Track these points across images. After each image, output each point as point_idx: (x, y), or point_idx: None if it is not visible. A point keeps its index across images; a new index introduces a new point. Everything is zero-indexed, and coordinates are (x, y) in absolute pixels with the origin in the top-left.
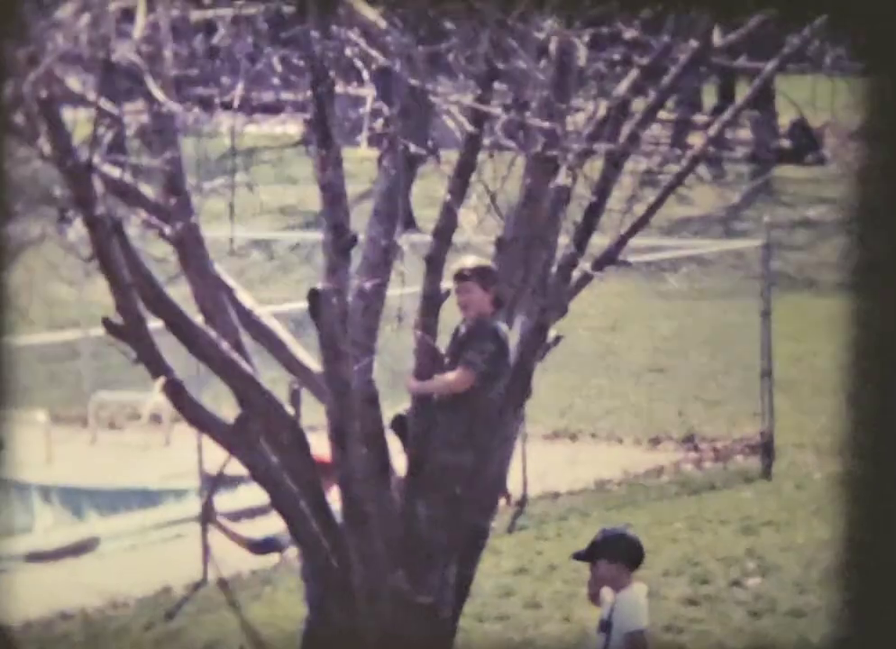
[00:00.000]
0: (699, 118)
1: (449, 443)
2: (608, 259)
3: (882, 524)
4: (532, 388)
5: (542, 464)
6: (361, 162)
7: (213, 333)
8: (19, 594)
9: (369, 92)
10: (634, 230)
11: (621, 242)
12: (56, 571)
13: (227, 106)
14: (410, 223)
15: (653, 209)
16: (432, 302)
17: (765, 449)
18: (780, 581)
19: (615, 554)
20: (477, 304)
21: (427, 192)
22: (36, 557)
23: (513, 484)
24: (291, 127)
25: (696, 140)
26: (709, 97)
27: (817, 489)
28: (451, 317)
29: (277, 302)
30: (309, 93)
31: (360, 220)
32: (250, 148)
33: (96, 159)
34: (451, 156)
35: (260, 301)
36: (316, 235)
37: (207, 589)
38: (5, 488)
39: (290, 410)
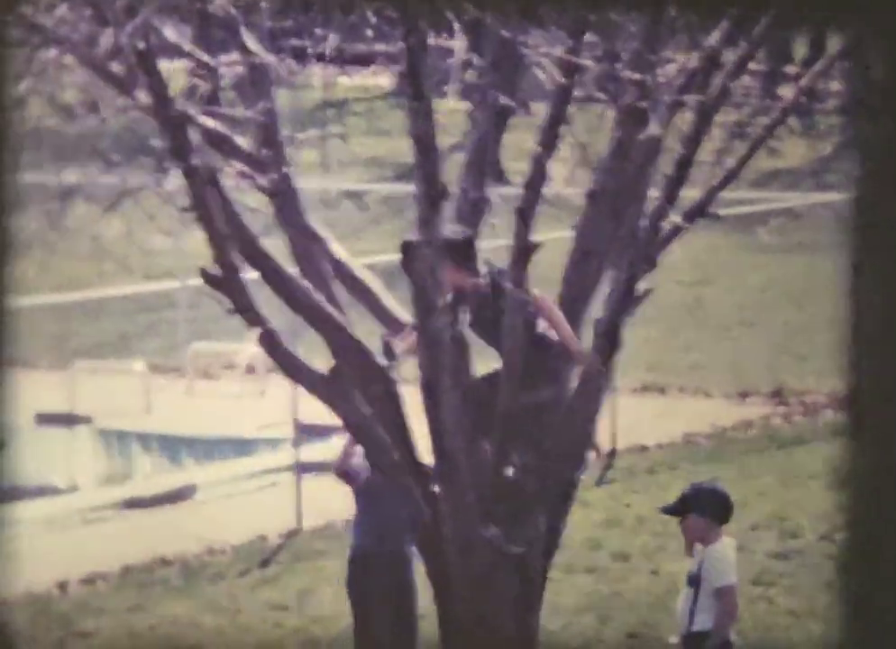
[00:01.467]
0: (790, 69)
1: (525, 386)
2: (699, 211)
3: None
4: (621, 341)
5: (631, 418)
6: (452, 114)
7: (307, 284)
8: (118, 540)
9: (459, 43)
10: (724, 182)
11: (711, 194)
12: (154, 518)
13: (320, 58)
14: (500, 176)
15: (743, 161)
16: (522, 254)
17: None
18: None
19: (704, 509)
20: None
21: (517, 144)
22: (135, 504)
23: (602, 437)
24: (383, 79)
25: (787, 91)
26: (800, 48)
27: None
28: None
29: (369, 254)
30: (401, 44)
31: (451, 172)
32: (342, 99)
33: (192, 111)
34: (541, 108)
35: (352, 253)
36: (408, 187)
37: (302, 537)
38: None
39: (382, 361)
